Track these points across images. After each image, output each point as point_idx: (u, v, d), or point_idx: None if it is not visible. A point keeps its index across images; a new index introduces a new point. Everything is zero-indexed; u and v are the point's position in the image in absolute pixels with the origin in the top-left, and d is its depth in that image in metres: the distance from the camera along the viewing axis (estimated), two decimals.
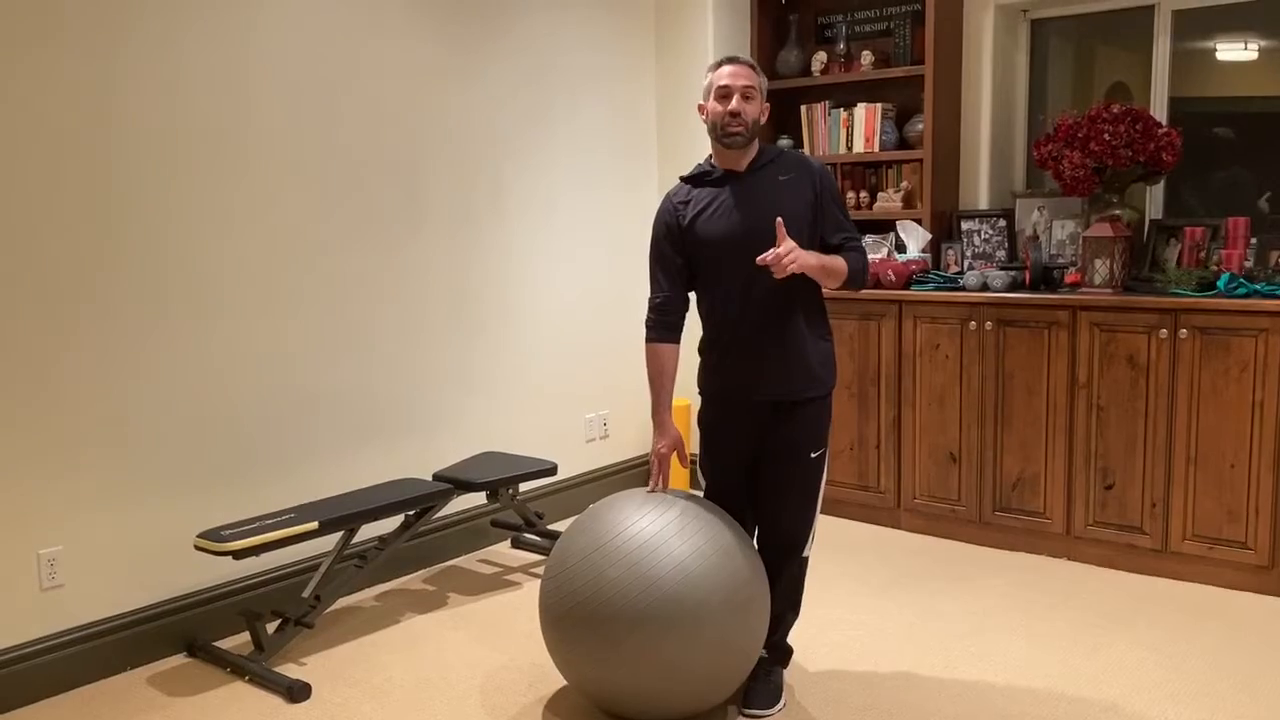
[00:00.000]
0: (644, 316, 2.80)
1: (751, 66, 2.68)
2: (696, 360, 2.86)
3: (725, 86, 2.63)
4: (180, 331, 3.21)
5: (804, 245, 2.60)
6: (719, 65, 2.68)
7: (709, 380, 2.81)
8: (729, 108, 2.61)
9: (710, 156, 2.75)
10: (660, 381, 2.76)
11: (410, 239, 3.87)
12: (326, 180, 3.58)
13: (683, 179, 2.79)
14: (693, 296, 2.80)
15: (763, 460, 2.77)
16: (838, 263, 2.66)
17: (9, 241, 2.83)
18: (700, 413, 2.86)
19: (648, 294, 2.80)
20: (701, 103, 2.70)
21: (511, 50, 4.18)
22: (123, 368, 3.09)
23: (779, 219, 2.54)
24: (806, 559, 2.87)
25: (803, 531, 2.82)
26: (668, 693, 2.58)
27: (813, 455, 2.76)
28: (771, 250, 2.51)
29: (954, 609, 3.51)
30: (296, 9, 3.45)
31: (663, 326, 2.75)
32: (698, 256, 2.71)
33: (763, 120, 2.69)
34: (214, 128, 3.25)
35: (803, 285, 2.67)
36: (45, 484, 2.95)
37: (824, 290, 2.76)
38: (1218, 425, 3.56)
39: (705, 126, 2.71)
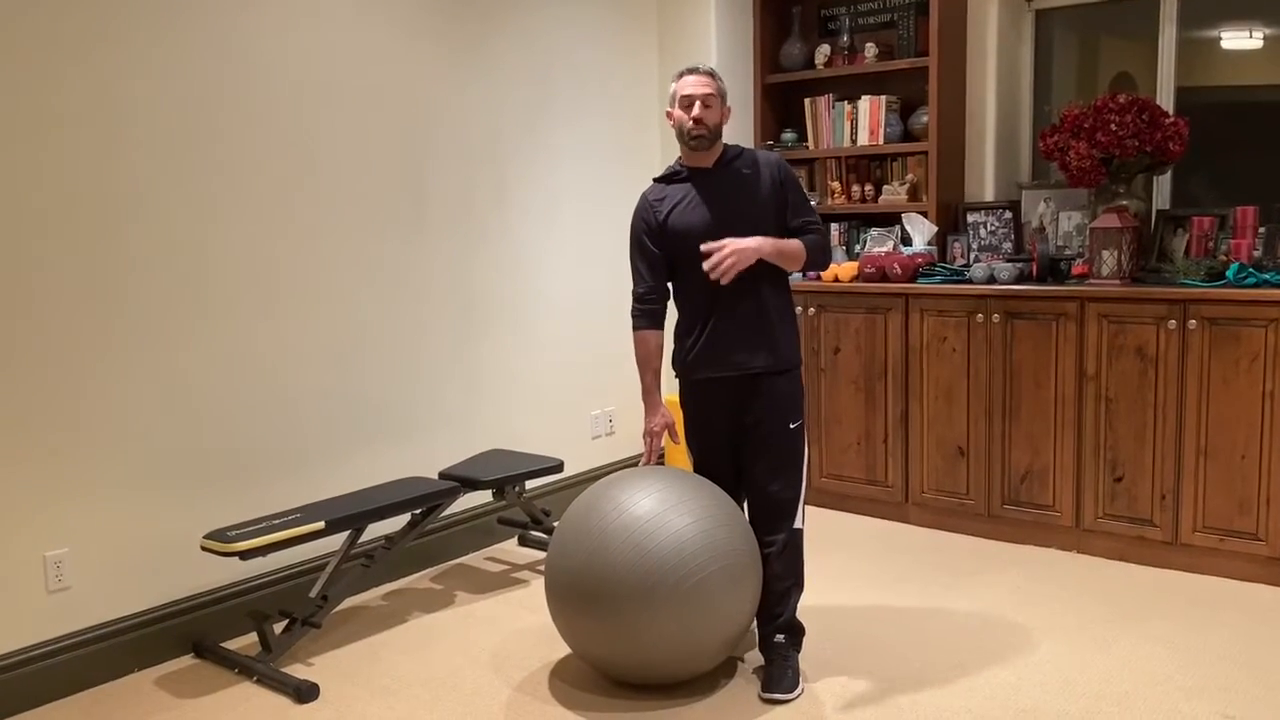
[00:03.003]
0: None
1: (711, 75, 2.91)
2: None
3: (688, 96, 2.86)
4: (185, 332, 3.20)
5: (771, 229, 2.88)
6: (682, 75, 2.92)
7: (687, 362, 2.98)
8: (692, 114, 2.85)
9: (680, 158, 2.99)
10: (649, 365, 3.00)
11: (414, 238, 3.85)
12: (331, 181, 3.57)
13: (656, 180, 3.02)
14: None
15: (745, 435, 2.95)
16: (793, 246, 2.90)
17: (13, 246, 2.82)
18: (680, 394, 3.06)
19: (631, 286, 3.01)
20: (669, 110, 2.93)
21: (514, 49, 4.17)
22: (128, 368, 3.08)
23: (702, 245, 2.78)
24: (800, 531, 2.99)
25: (791, 500, 2.95)
26: (665, 660, 2.75)
27: (791, 426, 2.94)
28: (709, 260, 2.76)
29: (964, 604, 3.50)
30: (298, 9, 3.43)
31: (648, 315, 2.99)
32: (674, 247, 2.92)
33: (725, 122, 2.92)
34: (218, 131, 3.24)
35: (768, 271, 2.89)
36: (51, 486, 2.94)
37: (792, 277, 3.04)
38: (1228, 416, 3.54)
39: (674, 131, 2.93)
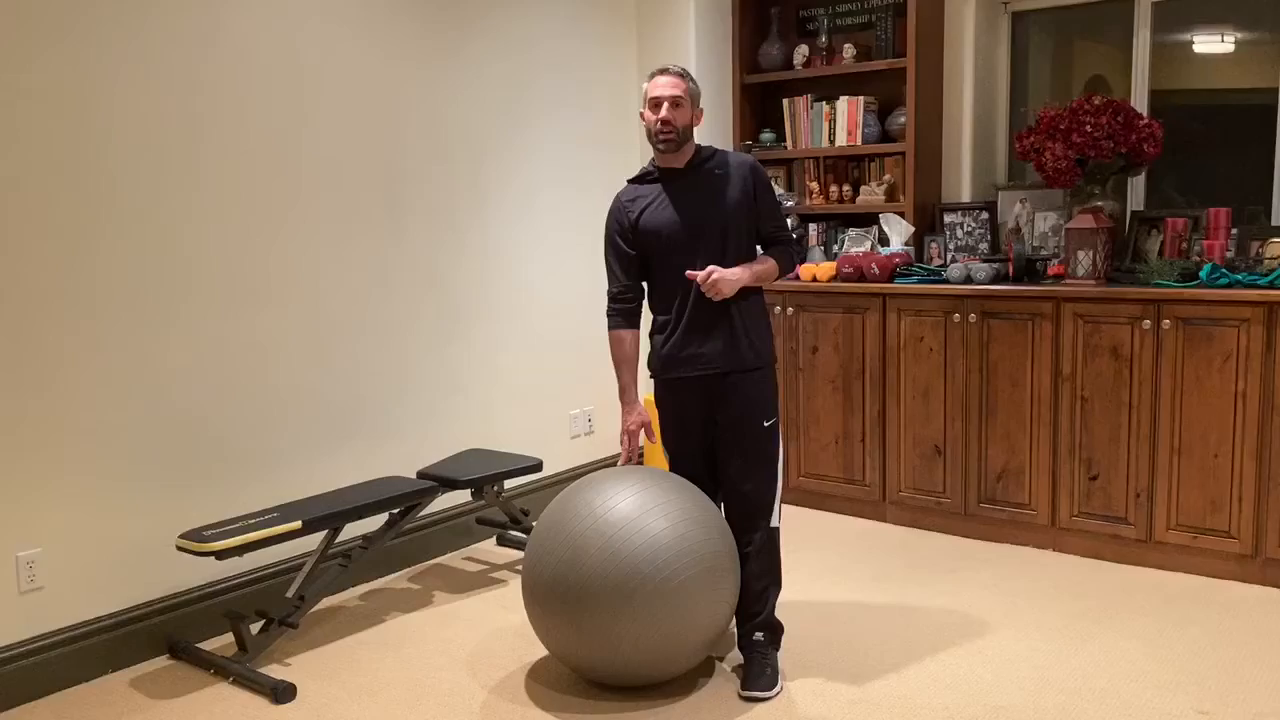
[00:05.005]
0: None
1: (681, 75, 2.90)
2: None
3: (657, 97, 2.87)
4: (160, 329, 3.17)
5: (743, 230, 2.92)
6: (653, 76, 2.92)
7: (660, 360, 2.99)
8: (660, 116, 2.85)
9: (653, 159, 2.99)
10: (625, 364, 3.01)
11: (391, 237, 3.84)
12: (308, 178, 3.54)
13: (629, 180, 3.04)
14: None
15: (720, 434, 2.96)
16: (767, 266, 2.95)
17: None
18: (655, 393, 3.07)
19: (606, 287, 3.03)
20: (642, 110, 2.93)
21: (492, 47, 4.16)
22: (102, 367, 3.04)
23: (687, 272, 2.84)
24: (777, 529, 3.00)
25: (767, 498, 2.97)
26: (643, 662, 2.74)
27: (765, 424, 2.95)
28: (698, 273, 2.82)
29: (940, 601, 3.52)
30: (274, 5, 3.41)
31: (623, 314, 3.01)
32: (646, 247, 2.95)
33: (696, 124, 2.93)
34: (192, 127, 3.21)
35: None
36: (23, 485, 2.91)
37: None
38: (1201, 415, 3.57)
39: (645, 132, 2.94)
